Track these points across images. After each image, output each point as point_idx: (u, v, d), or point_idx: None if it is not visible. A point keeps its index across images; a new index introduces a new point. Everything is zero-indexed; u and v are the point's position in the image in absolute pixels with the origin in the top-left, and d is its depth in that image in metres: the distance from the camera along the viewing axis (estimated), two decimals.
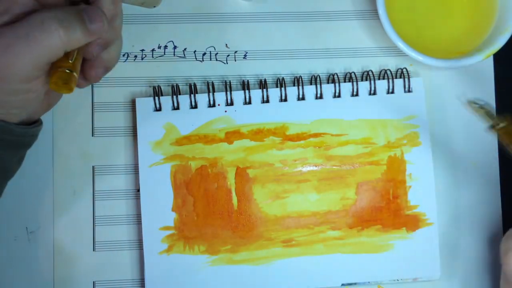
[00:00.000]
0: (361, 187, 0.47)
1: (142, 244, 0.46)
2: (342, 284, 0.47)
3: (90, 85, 0.48)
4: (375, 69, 0.49)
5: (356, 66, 0.49)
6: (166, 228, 0.46)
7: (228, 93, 0.47)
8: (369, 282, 0.47)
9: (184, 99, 0.47)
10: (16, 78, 0.35)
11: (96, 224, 0.47)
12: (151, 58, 0.49)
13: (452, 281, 0.48)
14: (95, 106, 0.48)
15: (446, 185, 0.49)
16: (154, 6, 0.49)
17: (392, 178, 0.47)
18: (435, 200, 0.47)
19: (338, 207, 0.47)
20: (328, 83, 0.48)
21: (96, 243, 0.47)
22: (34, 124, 0.41)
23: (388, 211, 0.47)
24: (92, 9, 0.36)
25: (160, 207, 0.46)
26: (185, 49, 0.49)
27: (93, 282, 0.47)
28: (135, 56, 0.49)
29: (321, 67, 0.49)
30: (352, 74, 0.48)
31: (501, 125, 0.40)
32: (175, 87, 0.47)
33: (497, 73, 0.50)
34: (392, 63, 0.49)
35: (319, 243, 0.46)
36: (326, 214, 0.47)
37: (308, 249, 0.46)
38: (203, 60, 0.49)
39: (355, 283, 0.47)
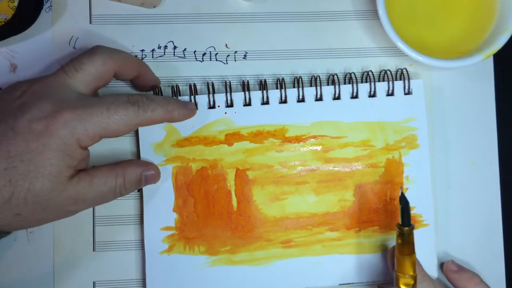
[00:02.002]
0: (359, 189, 0.47)
1: (142, 244, 0.47)
2: (340, 284, 0.47)
3: None
4: (375, 69, 0.49)
5: (356, 66, 0.49)
6: (167, 228, 0.46)
7: (228, 94, 0.47)
8: (366, 282, 0.47)
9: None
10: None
11: (96, 224, 0.47)
12: (151, 58, 0.49)
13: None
14: None
15: (446, 185, 0.49)
16: (154, 6, 0.48)
17: (389, 180, 0.47)
18: (432, 202, 0.47)
19: (336, 209, 0.47)
20: (328, 83, 0.48)
21: (96, 243, 0.47)
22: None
23: (385, 212, 0.47)
24: None
25: (161, 208, 0.46)
26: (185, 49, 0.49)
27: (93, 282, 0.47)
28: (135, 56, 0.48)
29: (321, 67, 0.49)
30: (352, 74, 0.48)
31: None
32: (175, 87, 0.47)
33: (497, 73, 0.50)
34: (392, 63, 0.49)
35: (318, 244, 0.47)
36: (324, 216, 0.47)
37: (306, 250, 0.47)
38: (203, 60, 0.49)
39: (352, 283, 0.47)
